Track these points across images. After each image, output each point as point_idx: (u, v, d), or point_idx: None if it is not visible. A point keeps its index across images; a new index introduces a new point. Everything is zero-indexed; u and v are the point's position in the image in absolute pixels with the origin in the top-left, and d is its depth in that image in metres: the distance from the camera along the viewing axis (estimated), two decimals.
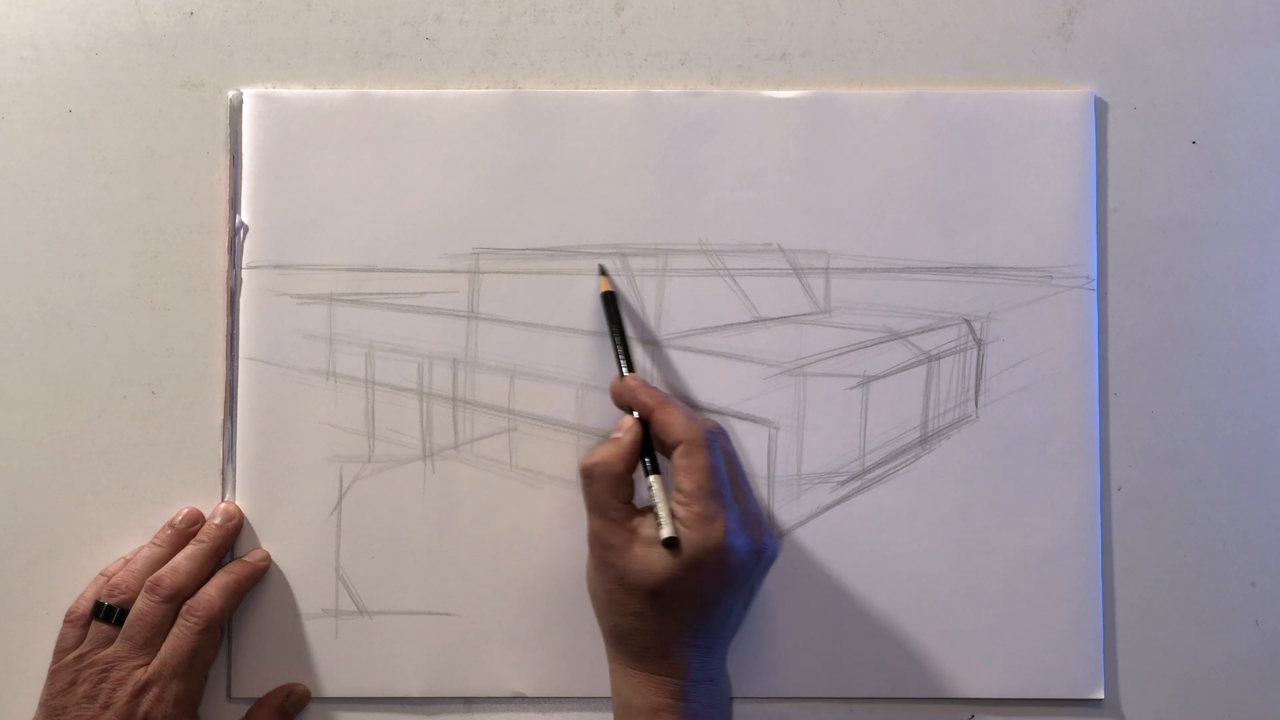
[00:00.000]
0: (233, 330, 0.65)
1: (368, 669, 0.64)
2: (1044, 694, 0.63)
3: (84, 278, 0.65)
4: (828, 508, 0.64)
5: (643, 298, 0.65)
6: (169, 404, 0.65)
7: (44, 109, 0.65)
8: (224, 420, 0.65)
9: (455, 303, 0.65)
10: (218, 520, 0.63)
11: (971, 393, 0.64)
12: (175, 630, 0.61)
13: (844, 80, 0.66)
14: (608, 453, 0.58)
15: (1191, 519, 0.64)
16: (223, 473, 0.65)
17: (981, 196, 0.65)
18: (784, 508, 0.64)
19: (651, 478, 0.57)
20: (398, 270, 0.65)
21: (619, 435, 0.59)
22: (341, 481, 0.64)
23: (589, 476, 0.58)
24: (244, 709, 0.63)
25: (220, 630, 0.62)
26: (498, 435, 0.65)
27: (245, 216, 0.65)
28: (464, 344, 0.65)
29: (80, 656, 0.60)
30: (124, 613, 0.61)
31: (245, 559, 0.64)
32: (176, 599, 0.61)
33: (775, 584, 0.64)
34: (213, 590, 0.62)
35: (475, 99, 0.65)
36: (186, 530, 0.63)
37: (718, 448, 0.58)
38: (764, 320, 0.65)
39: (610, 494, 0.58)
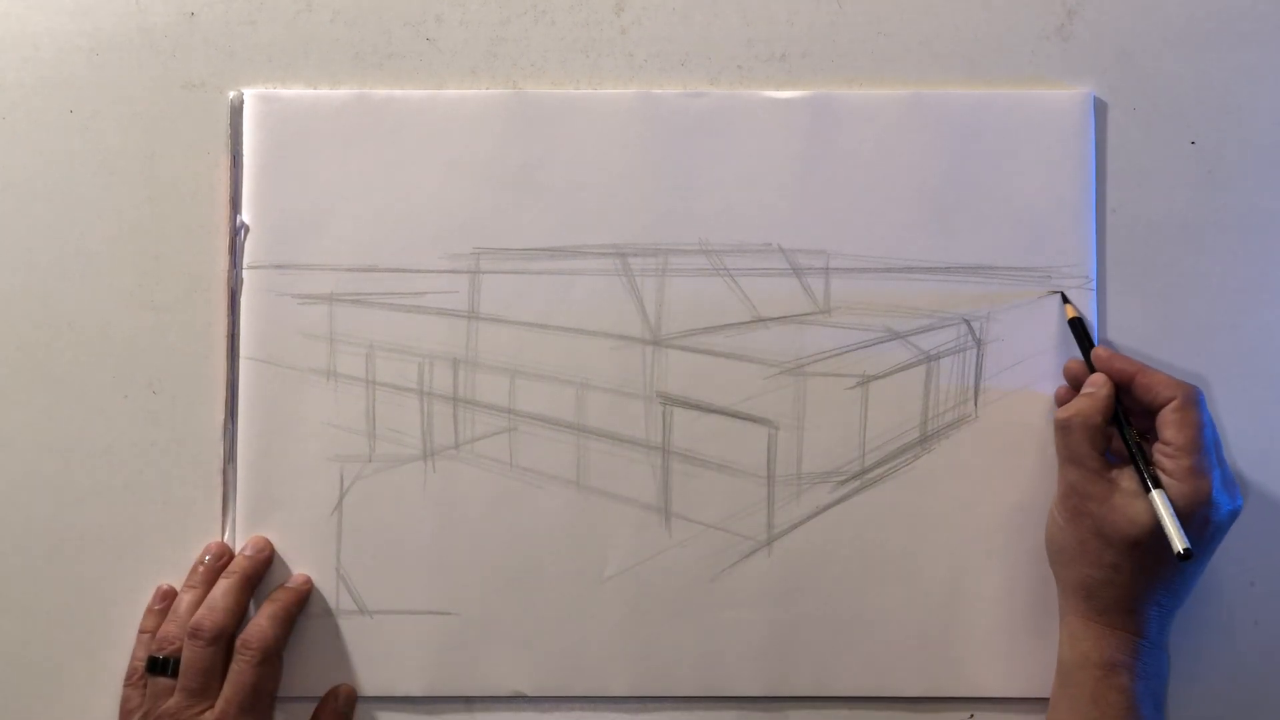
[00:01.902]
0: (233, 330, 0.65)
1: (368, 668, 0.64)
2: (1044, 694, 0.63)
3: (84, 278, 0.65)
4: (827, 507, 0.64)
5: (643, 298, 0.65)
6: (169, 404, 0.65)
7: (44, 109, 0.65)
8: (224, 420, 0.65)
9: (455, 303, 0.65)
10: (248, 552, 0.63)
11: (971, 392, 0.64)
12: (233, 667, 0.61)
13: (844, 80, 0.66)
14: (1084, 405, 0.59)
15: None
16: (223, 473, 0.65)
17: (981, 196, 0.65)
18: (784, 507, 0.64)
19: (1155, 493, 0.56)
20: (398, 270, 0.65)
21: (1092, 390, 0.60)
22: (342, 481, 0.64)
23: (1066, 428, 0.59)
24: None
25: (278, 660, 0.63)
26: (498, 435, 0.65)
27: (246, 216, 0.65)
28: (464, 344, 0.65)
29: (145, 715, 0.61)
30: (179, 663, 0.61)
31: (287, 585, 0.64)
32: (220, 638, 0.61)
33: (775, 584, 0.64)
34: (264, 621, 0.62)
35: (475, 99, 0.65)
36: (216, 565, 0.63)
37: (1206, 407, 0.58)
38: (764, 320, 0.65)
39: (1089, 444, 0.58)
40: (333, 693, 0.63)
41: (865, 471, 0.64)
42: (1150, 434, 0.59)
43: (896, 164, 0.65)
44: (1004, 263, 0.65)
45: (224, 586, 0.62)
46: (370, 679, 0.64)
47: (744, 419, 0.64)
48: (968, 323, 0.65)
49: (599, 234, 0.65)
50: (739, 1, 0.66)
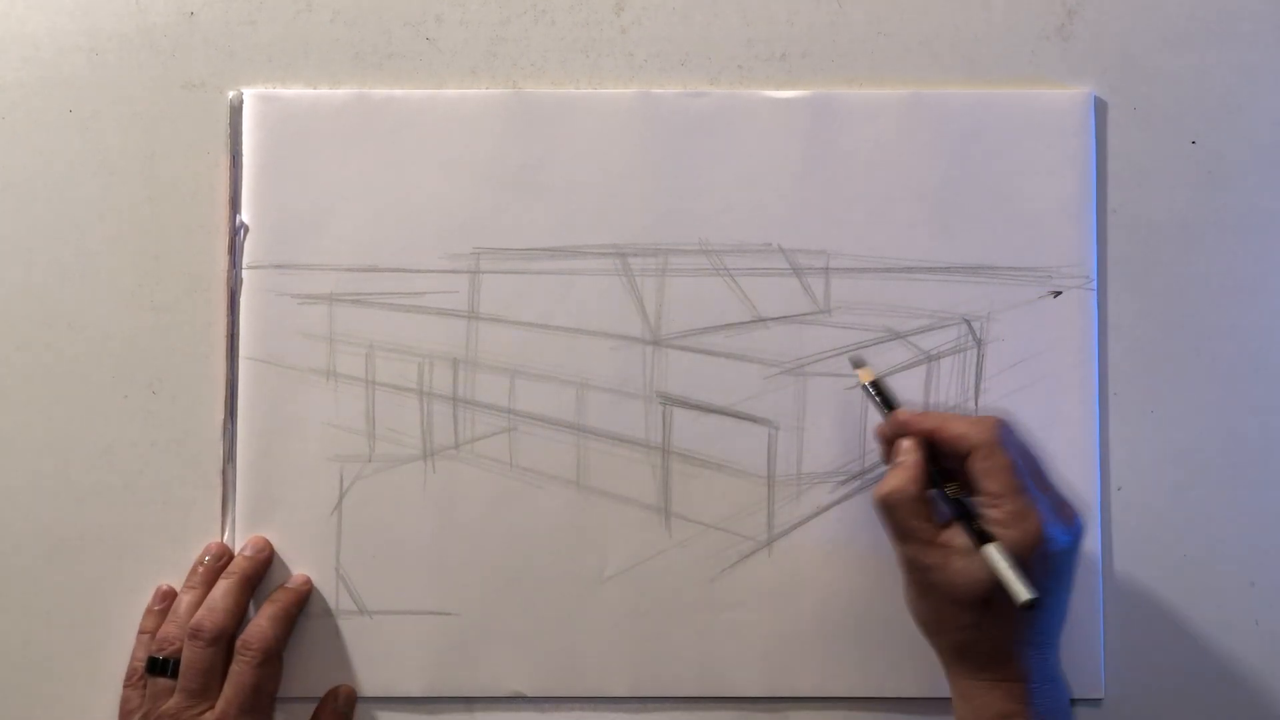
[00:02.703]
0: (233, 330, 0.65)
1: (368, 669, 0.64)
2: None
3: (84, 278, 0.65)
4: (827, 507, 0.64)
5: (643, 298, 0.65)
6: (169, 404, 0.65)
7: (44, 109, 0.65)
8: (224, 420, 0.65)
9: (455, 303, 0.65)
10: (248, 552, 0.63)
11: (971, 392, 0.64)
12: (234, 668, 0.61)
13: (844, 80, 0.66)
14: (900, 479, 0.57)
15: (1191, 519, 0.64)
16: (223, 473, 0.65)
17: (981, 196, 0.65)
18: (784, 508, 0.64)
19: (988, 548, 0.55)
20: (398, 270, 0.65)
21: (903, 459, 0.58)
22: (342, 481, 0.64)
23: (888, 507, 0.57)
24: None
25: (278, 660, 0.63)
26: (498, 435, 0.65)
27: (246, 216, 0.65)
28: (464, 344, 0.65)
29: (145, 716, 0.61)
30: (179, 663, 0.61)
31: (287, 585, 0.64)
32: (220, 639, 0.61)
33: (775, 584, 0.64)
34: (264, 621, 0.62)
35: (475, 99, 0.65)
36: (215, 566, 0.63)
37: (1012, 442, 0.57)
38: (764, 320, 0.65)
39: (914, 517, 0.57)
40: (332, 693, 0.63)
41: (865, 472, 0.64)
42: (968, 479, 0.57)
43: (896, 164, 0.65)
44: (1004, 263, 0.65)
45: (224, 587, 0.62)
46: (370, 679, 0.64)
47: (744, 419, 0.64)
48: (968, 323, 0.65)
49: (599, 234, 0.65)
50: (739, 1, 0.66)
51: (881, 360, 0.64)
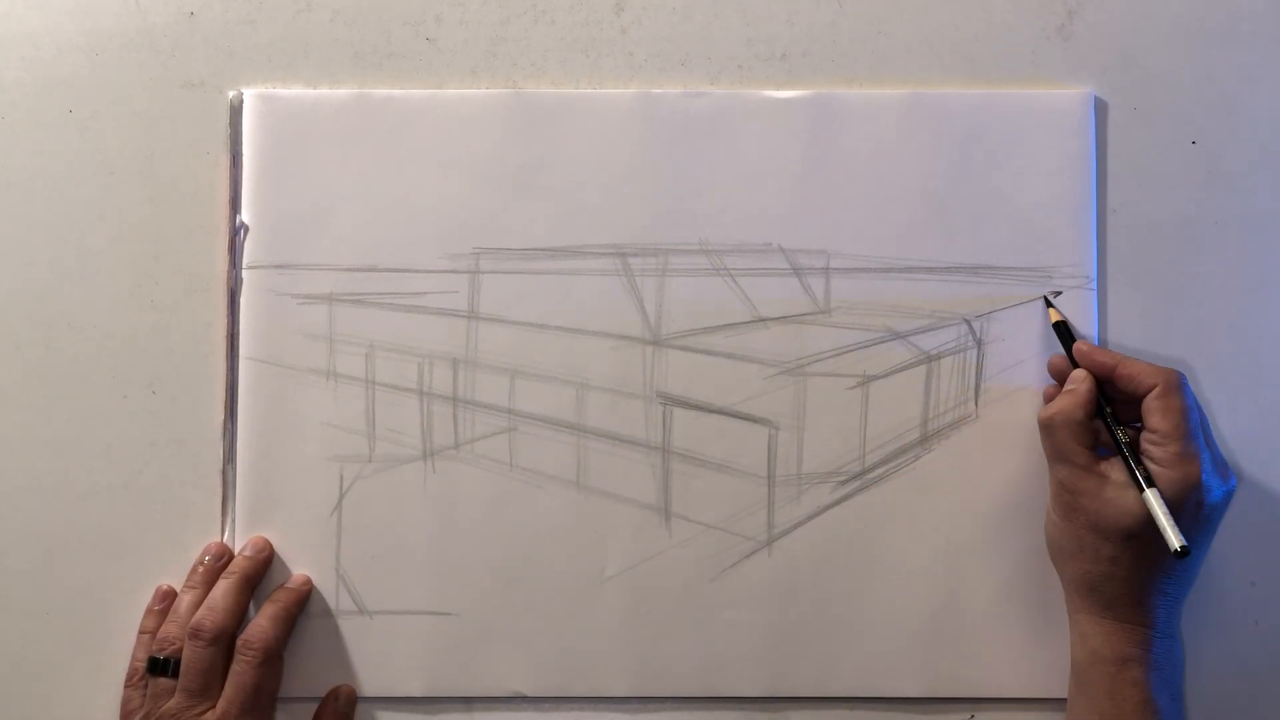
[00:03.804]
0: (233, 330, 0.65)
1: (368, 669, 0.64)
2: (1044, 694, 0.63)
3: (84, 278, 0.65)
4: (828, 507, 0.64)
5: (643, 298, 0.65)
6: (169, 404, 0.65)
7: (44, 109, 0.65)
8: (224, 420, 0.65)
9: (455, 303, 0.65)
10: (248, 552, 0.63)
11: (971, 392, 0.64)
12: (234, 668, 0.61)
13: (844, 80, 0.66)
14: (1067, 402, 0.59)
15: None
16: (223, 473, 0.65)
17: (981, 196, 0.65)
18: (784, 508, 0.64)
19: (1149, 492, 0.56)
20: (398, 270, 0.65)
21: (1074, 386, 0.59)
22: (342, 481, 0.64)
23: (1049, 427, 0.59)
24: None
25: (279, 660, 0.63)
26: (498, 435, 0.65)
27: (246, 216, 0.65)
28: (464, 344, 0.65)
29: (146, 716, 0.61)
30: (180, 663, 0.61)
31: (288, 585, 0.64)
32: (221, 639, 0.61)
33: (775, 584, 0.64)
34: (264, 621, 0.62)
35: (475, 99, 0.65)
36: (216, 566, 0.63)
37: (1190, 390, 0.58)
38: (764, 320, 0.65)
39: (1075, 441, 0.58)
40: (333, 693, 0.63)
41: (866, 472, 0.64)
42: (1138, 423, 0.59)
43: (897, 164, 0.65)
44: (1004, 263, 0.65)
45: (224, 587, 0.62)
46: (370, 679, 0.64)
47: (744, 419, 0.64)
48: (968, 323, 0.64)
49: (599, 234, 0.65)
50: (739, 1, 0.66)
51: (881, 360, 0.64)
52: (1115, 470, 0.58)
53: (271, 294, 0.65)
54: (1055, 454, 0.59)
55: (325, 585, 0.64)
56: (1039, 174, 0.65)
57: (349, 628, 0.64)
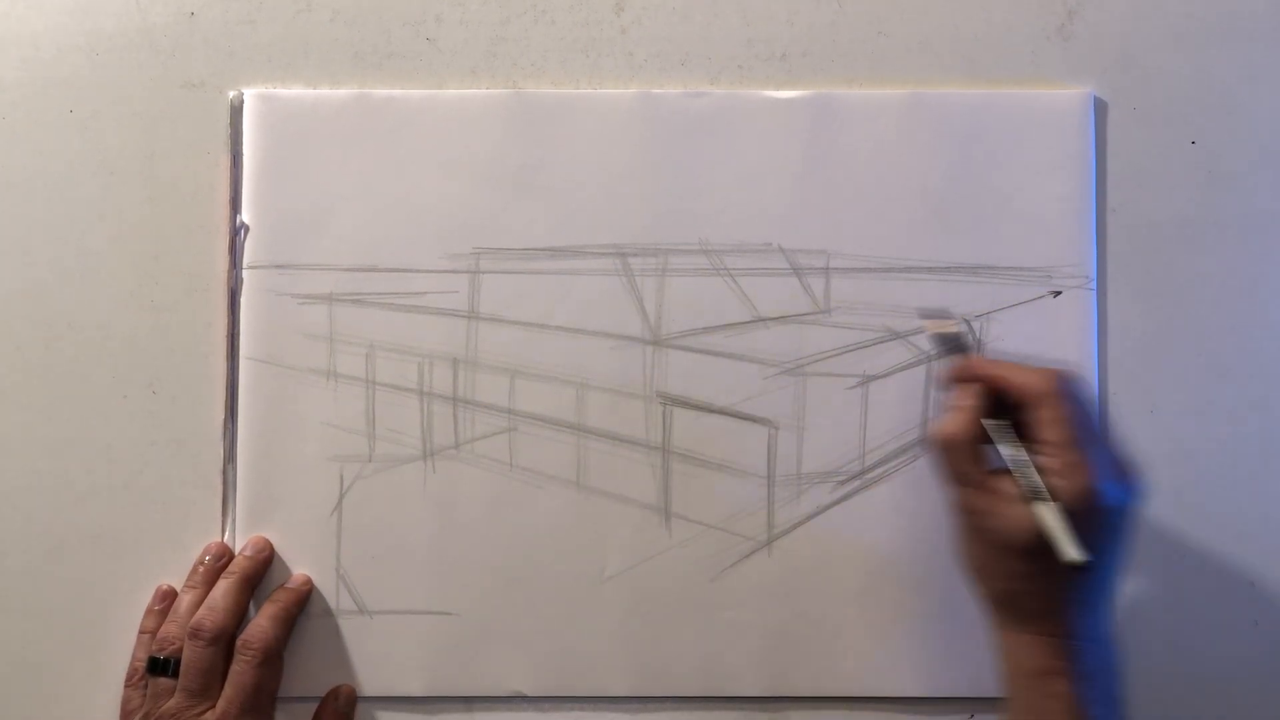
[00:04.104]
0: (233, 330, 0.65)
1: (368, 669, 0.64)
2: None
3: (84, 278, 0.65)
4: (828, 507, 0.64)
5: (643, 298, 0.65)
6: (169, 404, 0.65)
7: (44, 109, 0.65)
8: (224, 420, 0.65)
9: (455, 303, 0.65)
10: (248, 552, 0.63)
11: None
12: (234, 668, 0.61)
13: (844, 80, 0.66)
14: (954, 423, 0.57)
15: (1191, 519, 0.64)
16: (223, 472, 0.65)
17: (981, 196, 0.65)
18: (784, 508, 0.64)
19: (1039, 507, 0.54)
20: (398, 270, 0.65)
21: (960, 403, 0.57)
22: (342, 481, 0.64)
23: (944, 448, 0.56)
24: None
25: (279, 660, 0.63)
26: (498, 435, 0.65)
27: (246, 216, 0.65)
28: (464, 344, 0.65)
29: (146, 716, 0.61)
30: (180, 663, 0.61)
31: (288, 585, 0.64)
32: (221, 638, 0.61)
33: (775, 584, 0.64)
34: (264, 621, 0.62)
35: (475, 99, 0.65)
36: (216, 566, 0.63)
37: (1074, 395, 0.55)
38: (764, 320, 0.65)
39: (967, 461, 0.56)
40: (333, 693, 0.63)
41: (865, 471, 0.64)
42: (1026, 429, 0.57)
43: (896, 164, 0.65)
44: (1004, 263, 0.65)
45: (224, 587, 0.62)
46: (370, 679, 0.64)
47: (744, 419, 0.64)
48: (968, 323, 0.64)
49: (599, 234, 0.65)
50: (739, 1, 0.66)
51: (882, 360, 0.64)
52: (1009, 484, 0.55)
53: (272, 294, 0.65)
54: (951, 475, 0.57)
55: (325, 585, 0.64)
56: (1039, 174, 0.65)
57: (349, 627, 0.64)
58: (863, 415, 0.64)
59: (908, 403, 0.64)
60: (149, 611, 0.63)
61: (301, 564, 0.64)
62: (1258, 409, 0.65)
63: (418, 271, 0.65)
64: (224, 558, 0.63)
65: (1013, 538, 0.54)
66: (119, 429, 0.65)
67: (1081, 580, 0.55)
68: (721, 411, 0.64)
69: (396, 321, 0.65)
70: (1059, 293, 0.64)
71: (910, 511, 0.64)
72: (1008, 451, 0.56)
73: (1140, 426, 0.65)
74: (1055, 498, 0.54)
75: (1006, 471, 0.56)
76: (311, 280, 0.65)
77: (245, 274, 0.65)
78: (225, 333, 0.65)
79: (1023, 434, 0.56)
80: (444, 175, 0.65)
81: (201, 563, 0.63)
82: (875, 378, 0.64)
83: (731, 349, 0.65)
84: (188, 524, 0.64)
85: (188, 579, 0.63)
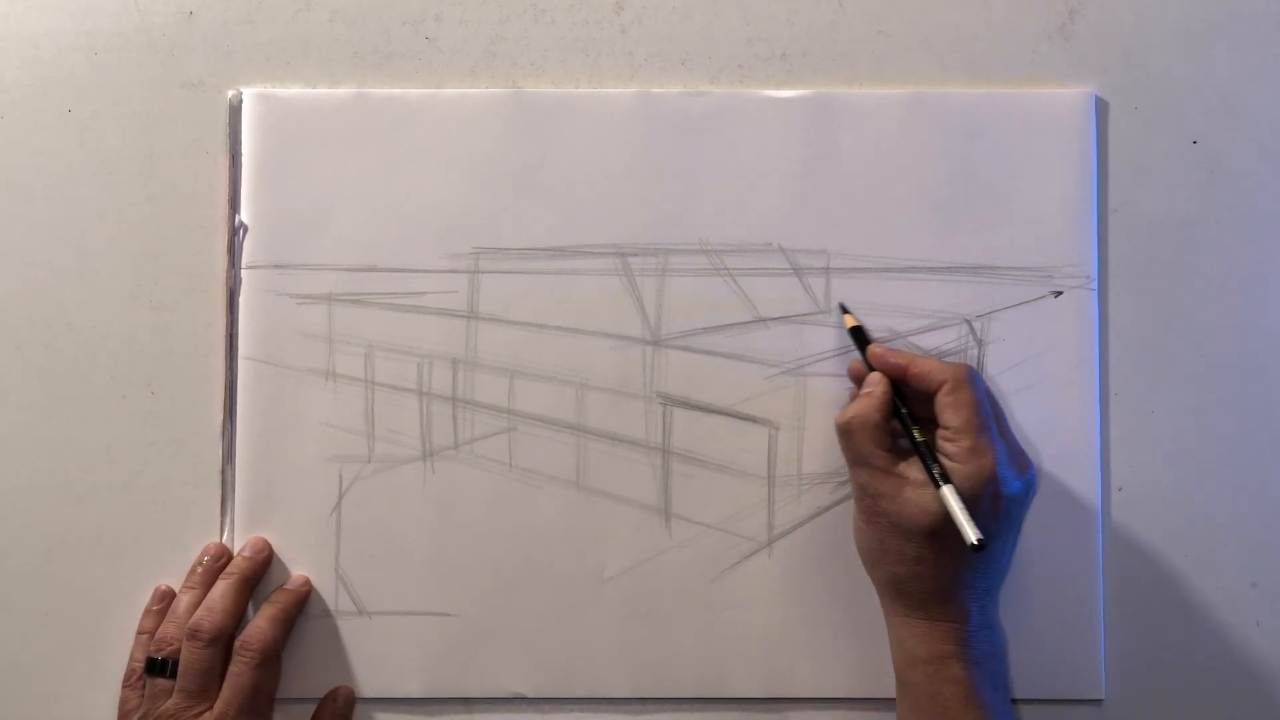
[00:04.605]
0: (232, 330, 0.65)
1: (367, 670, 0.64)
2: (1044, 694, 0.63)
3: (84, 278, 0.65)
4: (828, 508, 0.64)
5: (643, 298, 0.65)
6: (169, 404, 0.65)
7: (44, 109, 0.65)
8: (224, 420, 0.65)
9: (455, 303, 0.65)
10: (247, 553, 0.63)
11: None
12: (232, 669, 0.61)
13: (844, 80, 0.66)
14: (863, 406, 0.59)
15: (1191, 519, 0.64)
16: (223, 473, 0.65)
17: (981, 196, 0.65)
18: (784, 508, 0.64)
19: (944, 489, 0.56)
20: (397, 270, 0.65)
21: (870, 390, 0.59)
22: (341, 481, 0.64)
23: (847, 431, 0.59)
24: None
25: (277, 661, 0.62)
26: (498, 435, 0.64)
27: (245, 216, 0.65)
28: (464, 344, 0.65)
29: (144, 717, 0.60)
30: (178, 664, 0.61)
31: (287, 586, 0.63)
32: (219, 639, 0.61)
33: (775, 584, 0.64)
34: (263, 622, 0.62)
35: (475, 99, 0.65)
36: (214, 566, 0.63)
37: (980, 384, 0.58)
38: (764, 320, 0.65)
39: (873, 444, 0.58)
40: (332, 694, 0.63)
41: None
42: (933, 422, 0.58)
43: (897, 164, 0.65)
44: (1005, 263, 0.64)
45: (222, 587, 0.62)
46: (369, 680, 0.64)
47: (744, 419, 0.64)
48: (969, 323, 0.64)
49: (599, 234, 0.65)
50: (739, 1, 0.66)
51: None
52: (914, 470, 0.57)
53: (271, 294, 0.65)
54: (854, 458, 0.59)
55: (324, 586, 0.64)
56: (1039, 174, 0.65)
57: (348, 628, 0.64)
58: None
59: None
60: (147, 612, 0.63)
61: (300, 565, 0.64)
62: (1258, 409, 0.65)
63: (417, 271, 0.65)
64: (222, 558, 0.63)
65: (915, 521, 0.56)
66: (118, 429, 0.65)
67: (976, 565, 0.57)
68: (721, 412, 0.64)
69: (396, 321, 0.65)
70: (1059, 293, 0.64)
71: None
72: (911, 436, 0.58)
73: (1140, 426, 0.65)
74: (958, 481, 0.56)
75: (907, 457, 0.58)
76: (310, 280, 0.65)
77: (244, 274, 0.65)
78: (224, 333, 0.65)
79: (925, 423, 0.58)
80: (443, 175, 0.65)
81: (200, 563, 0.63)
82: None
83: (731, 349, 0.64)
84: (187, 524, 0.64)
85: (186, 579, 0.63)
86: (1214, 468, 0.65)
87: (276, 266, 0.65)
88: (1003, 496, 0.56)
